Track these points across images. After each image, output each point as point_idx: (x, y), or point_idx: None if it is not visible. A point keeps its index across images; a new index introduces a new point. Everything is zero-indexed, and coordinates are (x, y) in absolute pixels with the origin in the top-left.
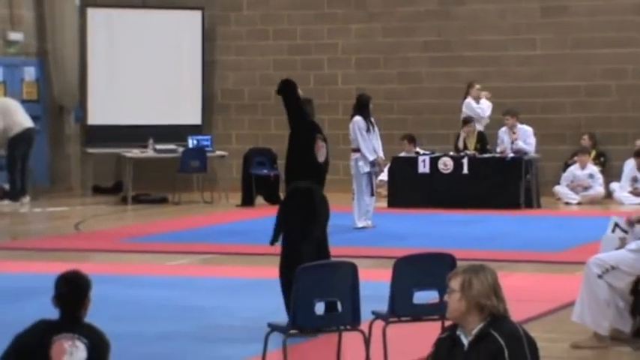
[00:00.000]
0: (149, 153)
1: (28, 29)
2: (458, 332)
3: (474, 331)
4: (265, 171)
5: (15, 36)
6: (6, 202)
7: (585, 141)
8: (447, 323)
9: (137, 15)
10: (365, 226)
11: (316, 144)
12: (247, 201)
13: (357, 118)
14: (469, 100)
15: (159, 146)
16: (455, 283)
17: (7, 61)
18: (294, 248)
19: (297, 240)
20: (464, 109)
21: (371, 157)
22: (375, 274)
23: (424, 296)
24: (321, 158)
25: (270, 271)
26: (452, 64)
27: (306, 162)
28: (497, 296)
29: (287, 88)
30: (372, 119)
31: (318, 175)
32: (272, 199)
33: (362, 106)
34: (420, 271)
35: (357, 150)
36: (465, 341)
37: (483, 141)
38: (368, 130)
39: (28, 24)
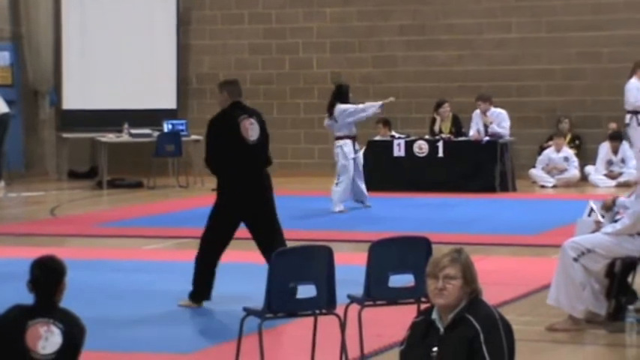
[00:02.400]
0: (124, 137)
1: (1, 13)
2: (433, 316)
3: (450, 316)
4: None
5: None
6: None
7: (566, 124)
8: (423, 307)
9: None
10: (341, 210)
11: (242, 125)
12: None
13: (342, 106)
14: (635, 81)
15: (134, 130)
16: (454, 270)
17: None
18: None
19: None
20: (627, 91)
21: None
22: (351, 257)
23: (400, 280)
24: (252, 137)
25: (245, 255)
26: (427, 48)
27: (234, 146)
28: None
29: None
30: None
31: (252, 155)
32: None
33: (342, 95)
34: (395, 254)
35: (341, 137)
36: (441, 325)
37: (458, 124)
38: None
39: (1, 8)
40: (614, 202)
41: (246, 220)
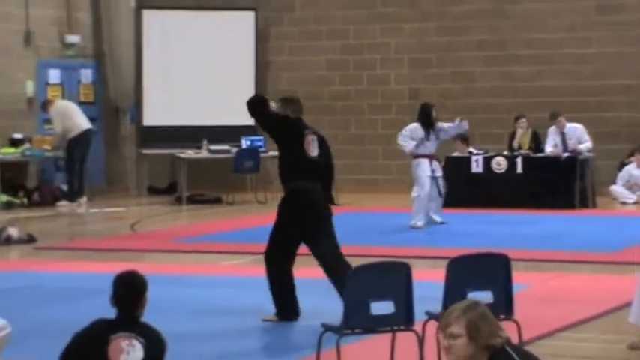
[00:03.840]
0: (203, 154)
1: (85, 32)
2: None
3: None
4: None
5: (72, 39)
6: (64, 202)
7: None
8: None
9: (191, 16)
10: (418, 226)
11: (305, 140)
12: None
13: (413, 125)
14: None
15: (213, 147)
16: (459, 328)
17: (65, 64)
18: (283, 245)
19: (287, 238)
20: None
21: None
22: (429, 274)
23: (478, 297)
24: (312, 153)
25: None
26: (506, 63)
27: (297, 160)
28: (500, 329)
29: (252, 109)
30: (437, 126)
31: (313, 171)
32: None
33: (422, 115)
34: (473, 271)
35: (418, 156)
36: None
37: (537, 140)
38: (427, 139)
39: (85, 26)
40: None
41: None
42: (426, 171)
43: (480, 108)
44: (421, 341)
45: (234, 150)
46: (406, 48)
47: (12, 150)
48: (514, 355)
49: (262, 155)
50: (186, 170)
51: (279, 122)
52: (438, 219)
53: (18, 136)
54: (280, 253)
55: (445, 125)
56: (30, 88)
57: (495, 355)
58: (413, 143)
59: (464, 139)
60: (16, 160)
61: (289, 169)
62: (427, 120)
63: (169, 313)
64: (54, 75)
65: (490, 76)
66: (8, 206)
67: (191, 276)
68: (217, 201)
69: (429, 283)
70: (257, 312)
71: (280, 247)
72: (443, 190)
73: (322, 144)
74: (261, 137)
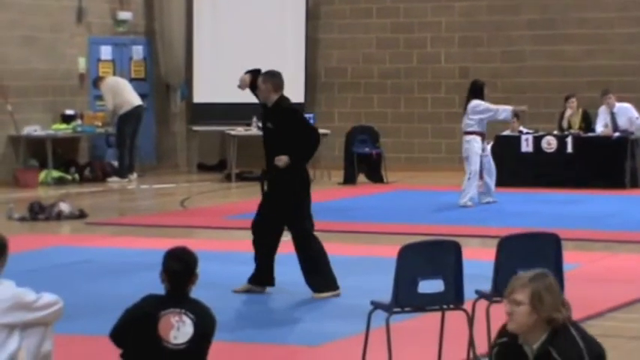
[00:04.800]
0: (253, 131)
1: (136, 8)
2: (520, 341)
3: (535, 346)
4: (367, 149)
5: (124, 15)
6: (114, 178)
7: None
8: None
9: None
10: (467, 204)
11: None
12: (349, 179)
13: (475, 101)
14: None
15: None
16: (522, 296)
17: (117, 40)
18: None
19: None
20: None
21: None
22: (479, 252)
23: None
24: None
25: (372, 249)
26: (556, 42)
27: (315, 140)
28: (564, 305)
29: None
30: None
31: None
32: (374, 177)
33: (477, 90)
34: (524, 250)
35: (470, 133)
36: (530, 353)
37: (588, 120)
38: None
39: (136, 3)
40: None
41: None
42: (477, 149)
43: (529, 87)
44: (471, 320)
45: None
46: (457, 26)
47: (63, 126)
48: (576, 336)
49: None
50: (235, 147)
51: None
52: (489, 198)
53: (69, 112)
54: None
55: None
56: (82, 64)
57: (557, 330)
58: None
59: (518, 116)
60: (67, 136)
61: (302, 146)
62: (480, 96)
63: (218, 290)
64: (105, 51)
65: (540, 55)
66: (60, 182)
67: (240, 253)
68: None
69: (478, 262)
70: (305, 289)
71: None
72: (492, 177)
73: (294, 117)
74: (311, 115)
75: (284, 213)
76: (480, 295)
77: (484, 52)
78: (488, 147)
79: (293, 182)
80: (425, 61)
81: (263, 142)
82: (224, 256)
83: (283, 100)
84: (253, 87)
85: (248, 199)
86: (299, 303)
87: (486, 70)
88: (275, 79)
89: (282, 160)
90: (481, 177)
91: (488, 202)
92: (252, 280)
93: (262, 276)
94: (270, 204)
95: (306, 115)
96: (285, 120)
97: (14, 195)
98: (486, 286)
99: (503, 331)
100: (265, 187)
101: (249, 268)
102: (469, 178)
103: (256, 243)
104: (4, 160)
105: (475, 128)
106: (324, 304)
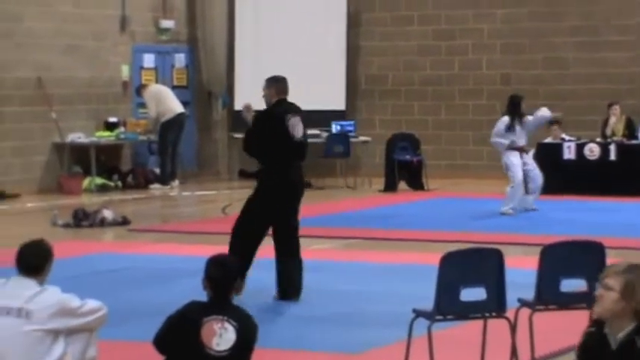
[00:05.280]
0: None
1: (179, 17)
2: (605, 330)
3: (620, 335)
4: (408, 156)
5: (167, 23)
6: (157, 185)
7: None
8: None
9: (284, 1)
10: (509, 213)
11: (289, 123)
12: (390, 186)
13: (503, 118)
14: None
15: None
16: (614, 282)
17: (159, 48)
18: (253, 222)
19: (258, 216)
20: None
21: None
22: (521, 260)
23: (571, 284)
24: (297, 134)
25: (413, 257)
26: (599, 49)
27: (283, 144)
28: None
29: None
30: (524, 118)
31: (298, 152)
32: (415, 184)
33: (511, 106)
34: (568, 258)
35: (507, 148)
36: (613, 343)
37: (631, 127)
38: (509, 129)
39: (179, 11)
40: None
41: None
42: (515, 161)
43: (572, 94)
44: (513, 328)
45: (325, 134)
46: (498, 33)
47: (107, 133)
48: None
49: (352, 140)
50: None
51: (257, 125)
52: (530, 205)
53: (113, 119)
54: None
55: (531, 118)
56: (125, 72)
57: None
58: (505, 142)
59: (559, 123)
60: (110, 143)
61: (275, 152)
62: (516, 111)
63: (259, 297)
64: (148, 59)
65: (583, 62)
66: (103, 189)
67: None
68: (307, 185)
69: (520, 270)
70: (345, 296)
71: (250, 224)
72: (535, 184)
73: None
74: (352, 122)
75: (268, 218)
76: (523, 303)
77: (526, 58)
78: (530, 157)
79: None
80: (466, 68)
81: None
82: (265, 263)
83: (282, 103)
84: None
85: None
86: (340, 310)
87: (528, 77)
88: (279, 83)
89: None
90: (525, 188)
91: (529, 210)
92: None
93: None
94: (253, 209)
95: (347, 123)
96: (264, 123)
97: (59, 202)
98: (529, 295)
99: (592, 321)
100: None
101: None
102: (512, 187)
103: (235, 244)
104: (48, 167)
105: (507, 143)
106: (366, 312)
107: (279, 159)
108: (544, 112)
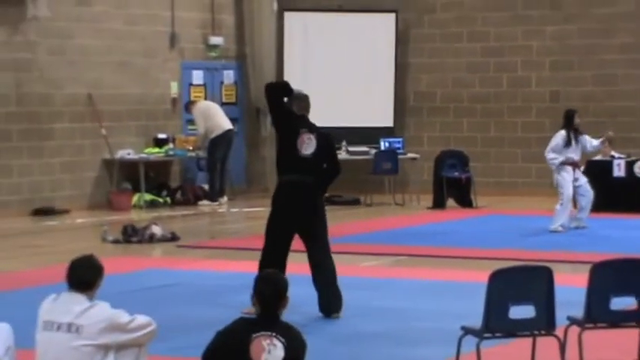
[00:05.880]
0: (342, 155)
1: (228, 33)
2: None
3: None
4: (457, 173)
5: (216, 40)
6: (205, 202)
7: None
8: None
9: (332, 18)
10: (559, 230)
11: (300, 138)
12: (439, 203)
13: (560, 132)
14: None
15: (351, 148)
16: None
17: (208, 65)
18: (269, 239)
19: (271, 231)
20: None
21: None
22: (570, 278)
23: (621, 302)
24: (305, 151)
25: (462, 274)
26: None
27: (289, 155)
28: None
29: (273, 92)
30: (577, 133)
31: (303, 166)
32: (463, 201)
33: (565, 119)
34: (618, 276)
35: (560, 162)
36: None
37: None
38: (567, 145)
39: (228, 28)
40: None
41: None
42: (568, 178)
43: (622, 111)
44: (562, 347)
45: (373, 151)
46: (547, 50)
47: (156, 150)
48: None
49: (401, 157)
50: None
51: (282, 116)
52: (579, 223)
53: (162, 136)
54: (271, 247)
55: (588, 139)
56: (174, 89)
57: None
58: (560, 158)
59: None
60: (159, 159)
61: (282, 162)
62: (570, 125)
63: (308, 314)
64: (197, 76)
65: (633, 79)
66: (152, 205)
67: None
68: (355, 202)
69: (570, 288)
70: (393, 313)
71: (271, 240)
72: (586, 200)
73: (326, 143)
74: (400, 139)
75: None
76: (572, 321)
77: (575, 75)
78: (581, 174)
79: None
80: (515, 85)
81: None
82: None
83: (302, 119)
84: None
85: (337, 222)
86: (388, 327)
87: (577, 94)
88: (301, 101)
89: None
90: (575, 204)
91: (578, 227)
92: None
93: None
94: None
95: (395, 140)
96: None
97: (108, 217)
98: (578, 312)
99: None
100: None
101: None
102: (561, 204)
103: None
104: (98, 182)
105: (561, 158)
106: (414, 329)
107: (285, 169)
108: (595, 143)
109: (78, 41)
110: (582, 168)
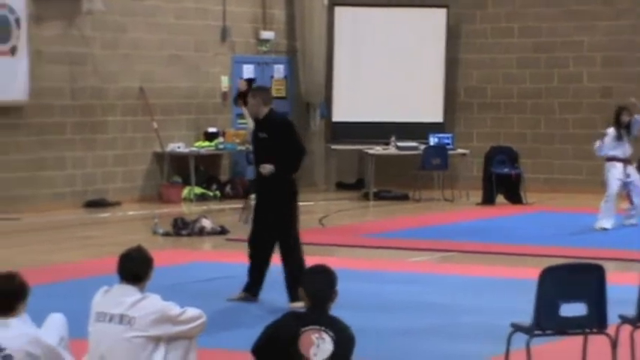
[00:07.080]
0: (391, 150)
1: (279, 28)
2: None
3: None
4: (506, 169)
5: (267, 34)
6: (254, 196)
7: None
8: None
9: (383, 13)
10: (605, 227)
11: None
12: (488, 199)
13: (609, 130)
14: None
15: (400, 143)
16: None
17: (259, 59)
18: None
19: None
20: None
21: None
22: (621, 276)
23: None
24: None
25: (511, 271)
26: None
27: (300, 152)
28: None
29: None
30: (627, 129)
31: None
32: (513, 197)
33: (615, 116)
34: None
35: (608, 159)
36: None
37: None
38: (617, 141)
39: (279, 23)
40: None
41: None
42: (616, 175)
43: None
44: (614, 345)
45: (422, 147)
46: (599, 46)
47: (206, 143)
48: None
49: (450, 152)
50: (373, 166)
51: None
52: (632, 220)
53: (212, 129)
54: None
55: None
56: (224, 82)
57: None
58: (605, 149)
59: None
60: (209, 153)
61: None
62: (618, 122)
63: (357, 308)
64: (247, 70)
65: None
66: (202, 198)
67: (378, 272)
68: (404, 197)
69: (621, 286)
70: (442, 309)
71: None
72: (638, 197)
73: (286, 129)
74: (450, 135)
75: (273, 225)
76: (624, 319)
77: (627, 71)
78: (634, 170)
79: (281, 194)
80: (566, 80)
81: (254, 153)
82: (362, 275)
83: (273, 112)
84: (244, 96)
85: (386, 217)
86: (436, 323)
87: (629, 90)
88: (264, 93)
89: (266, 169)
90: (631, 201)
91: (631, 225)
92: (247, 289)
93: (254, 287)
94: (261, 217)
95: (444, 135)
96: (278, 130)
97: (159, 210)
98: (630, 311)
99: None
100: (253, 198)
101: (387, 286)
102: (606, 201)
103: (251, 255)
104: (149, 176)
105: (611, 154)
106: (463, 325)
107: (291, 166)
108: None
109: (131, 35)
110: (635, 164)
